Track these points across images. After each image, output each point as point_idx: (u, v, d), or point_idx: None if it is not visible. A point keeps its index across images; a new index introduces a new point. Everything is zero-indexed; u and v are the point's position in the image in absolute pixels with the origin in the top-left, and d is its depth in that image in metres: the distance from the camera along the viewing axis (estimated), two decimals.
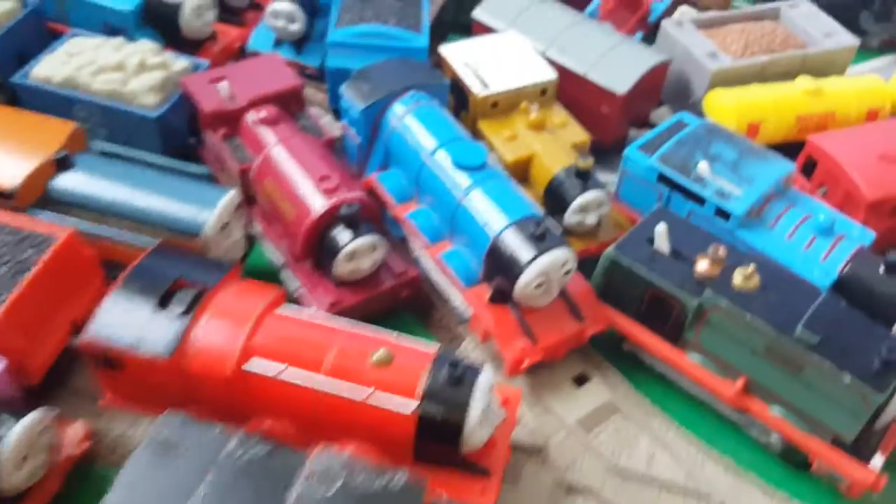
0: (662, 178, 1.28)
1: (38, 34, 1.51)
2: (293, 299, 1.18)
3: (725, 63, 1.56)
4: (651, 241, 1.16)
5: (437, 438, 0.91)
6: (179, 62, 1.40)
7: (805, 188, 1.37)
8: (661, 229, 1.15)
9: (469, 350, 1.21)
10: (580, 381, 1.18)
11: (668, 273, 1.13)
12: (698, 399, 1.18)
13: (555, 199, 1.28)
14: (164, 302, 0.95)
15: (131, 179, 1.17)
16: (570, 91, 1.49)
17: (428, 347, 0.95)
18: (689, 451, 1.11)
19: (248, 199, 1.26)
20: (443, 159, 1.21)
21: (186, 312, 0.94)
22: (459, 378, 0.91)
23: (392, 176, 1.29)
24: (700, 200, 1.25)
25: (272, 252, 1.25)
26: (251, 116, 1.28)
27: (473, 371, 0.92)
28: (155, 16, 1.53)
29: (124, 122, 1.34)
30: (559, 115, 1.43)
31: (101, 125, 1.35)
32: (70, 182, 1.17)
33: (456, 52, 1.47)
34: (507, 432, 1.00)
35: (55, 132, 1.23)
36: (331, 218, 1.15)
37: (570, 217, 1.26)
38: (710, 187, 1.24)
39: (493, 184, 1.18)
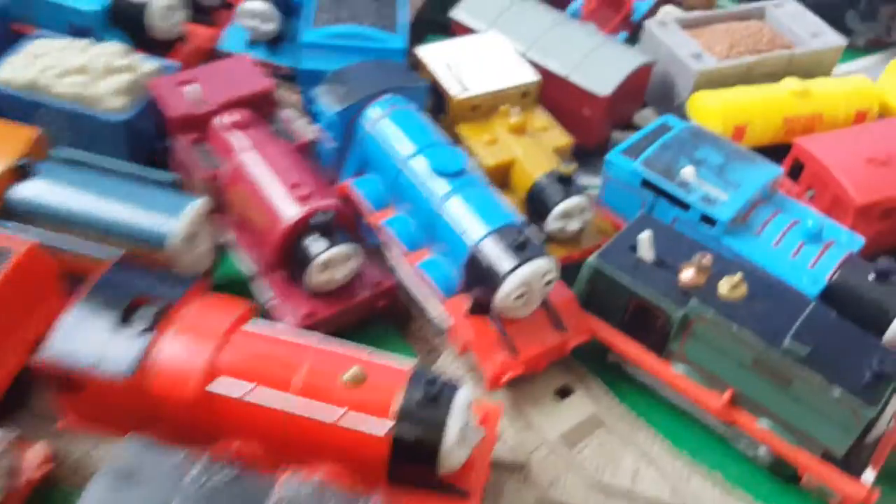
0: (646, 184, 1.25)
1: (1, 35, 1.46)
2: (265, 311, 1.14)
3: (710, 64, 1.53)
4: (634, 248, 1.13)
5: (412, 460, 0.87)
6: (148, 64, 1.35)
7: (792, 192, 1.34)
8: (644, 237, 1.12)
9: (448, 362, 1.17)
10: (563, 393, 1.15)
11: (653, 282, 1.10)
12: (684, 411, 1.15)
13: (536, 206, 1.25)
14: (125, 318, 0.91)
15: (95, 188, 1.12)
16: (552, 93, 1.45)
17: (403, 364, 0.92)
18: (675, 466, 1.09)
19: (219, 207, 1.21)
20: (420, 165, 1.18)
21: (149, 329, 0.90)
22: (436, 396, 0.87)
23: (368, 182, 1.25)
24: (685, 206, 1.22)
25: (244, 262, 1.21)
26: (220, 120, 1.23)
27: (451, 388, 0.89)
28: (123, 17, 1.48)
29: (89, 128, 1.28)
30: (541, 118, 1.40)
31: (65, 130, 1.30)
32: (31, 191, 1.12)
33: (434, 54, 1.43)
34: (487, 450, 0.97)
35: (16, 139, 1.18)
36: (304, 226, 1.11)
37: (552, 223, 1.23)
38: (695, 192, 1.21)
39: (472, 191, 1.14)
